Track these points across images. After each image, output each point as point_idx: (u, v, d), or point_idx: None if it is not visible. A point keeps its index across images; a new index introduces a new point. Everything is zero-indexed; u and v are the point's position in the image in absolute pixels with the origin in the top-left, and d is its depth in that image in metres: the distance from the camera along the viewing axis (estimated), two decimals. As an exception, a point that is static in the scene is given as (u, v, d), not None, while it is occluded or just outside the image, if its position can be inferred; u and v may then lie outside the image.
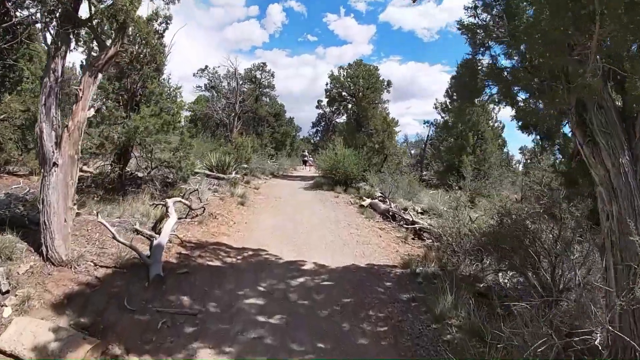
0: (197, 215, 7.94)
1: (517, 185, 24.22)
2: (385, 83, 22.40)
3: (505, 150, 30.96)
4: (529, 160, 28.72)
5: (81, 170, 9.19)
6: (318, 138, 49.88)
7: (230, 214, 8.85)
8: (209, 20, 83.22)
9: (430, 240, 7.40)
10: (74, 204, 5.38)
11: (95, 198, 8.28)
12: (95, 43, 6.01)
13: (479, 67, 4.98)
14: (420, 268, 5.63)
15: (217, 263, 5.59)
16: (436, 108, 27.31)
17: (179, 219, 7.63)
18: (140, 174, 9.94)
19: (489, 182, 18.79)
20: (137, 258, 5.06)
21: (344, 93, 22.44)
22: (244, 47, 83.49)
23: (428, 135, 23.18)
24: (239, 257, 5.89)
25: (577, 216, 4.77)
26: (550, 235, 5.02)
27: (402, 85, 74.89)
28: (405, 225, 8.47)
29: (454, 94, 7.17)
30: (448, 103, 27.09)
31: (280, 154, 32.18)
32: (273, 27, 79.52)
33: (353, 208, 11.13)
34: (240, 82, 30.73)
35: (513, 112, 4.77)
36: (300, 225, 8.38)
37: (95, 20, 5.78)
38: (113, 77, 9.18)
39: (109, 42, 5.73)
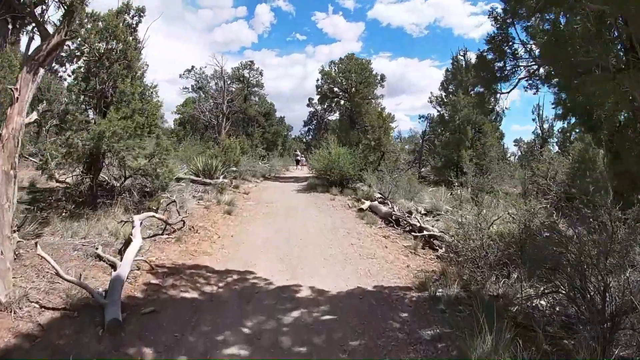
0: (175, 231, 6.94)
1: (516, 179, 23.48)
2: (379, 77, 21.50)
3: (501, 143, 30.31)
4: (528, 153, 28.06)
5: (57, 181, 8.22)
6: (310, 137, 48.93)
7: (215, 226, 7.85)
8: (198, 22, 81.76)
9: (444, 250, 6.48)
10: (14, 231, 4.35)
11: (64, 214, 7.26)
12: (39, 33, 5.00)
13: (510, 44, 4.09)
14: (440, 290, 4.69)
15: (194, 294, 4.60)
16: (431, 102, 26.49)
17: (154, 236, 6.65)
18: (117, 184, 8.90)
19: (491, 178, 17.91)
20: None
21: (335, 89, 21.47)
22: (233, 48, 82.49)
23: (425, 131, 22.28)
24: (220, 284, 4.91)
25: (630, 222, 3.89)
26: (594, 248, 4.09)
27: (393, 82, 74.26)
28: (413, 233, 7.53)
29: (477, 77, 6.22)
30: (444, 96, 26.36)
31: (272, 155, 31.16)
32: (262, 28, 78.62)
33: (351, 212, 10.18)
34: (228, 82, 29.66)
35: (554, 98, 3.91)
36: (294, 236, 7.41)
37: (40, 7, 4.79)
38: (80, 77, 8.19)
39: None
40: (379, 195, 11.97)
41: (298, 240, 7.17)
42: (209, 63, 32.72)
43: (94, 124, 7.47)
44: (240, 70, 30.62)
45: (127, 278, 4.71)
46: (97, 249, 5.43)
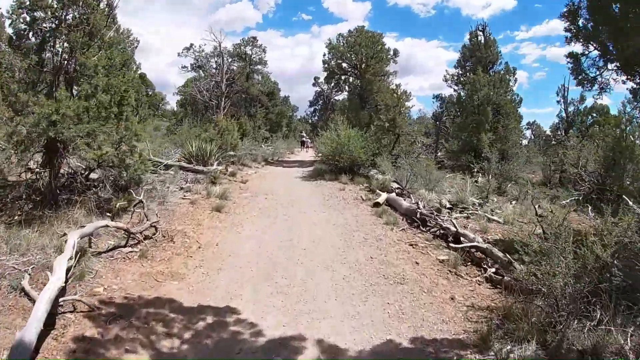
0: (140, 242, 5.38)
1: (534, 164, 21.61)
2: (391, 52, 19.46)
3: (521, 126, 28.36)
4: (551, 138, 26.04)
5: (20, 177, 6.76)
6: (316, 118, 47.02)
7: (198, 230, 6.29)
8: (201, 2, 79.05)
9: (494, 270, 4.86)
10: None
11: (17, 216, 5.76)
12: None
13: None
14: (509, 347, 3.11)
15: (144, 356, 3.06)
16: (446, 81, 24.38)
17: (114, 249, 5.10)
18: (82, 178, 7.31)
19: (516, 165, 16.11)
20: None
21: (344, 65, 19.47)
22: (238, 29, 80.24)
23: (442, 111, 20.34)
24: (186, 335, 3.36)
25: None
26: None
27: (400, 63, 71.63)
28: (452, 244, 5.90)
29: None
30: (460, 75, 24.22)
31: (276, 137, 29.44)
32: (267, 7, 76.27)
33: (365, 207, 8.56)
34: (229, 60, 27.69)
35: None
36: (296, 245, 5.81)
37: None
38: (31, 48, 6.58)
39: None
40: (396, 186, 10.32)
41: (300, 251, 5.58)
42: (206, 38, 30.36)
43: (41, 106, 5.86)
44: (242, 47, 28.55)
45: (54, 327, 3.21)
46: (24, 277, 3.90)
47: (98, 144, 6.53)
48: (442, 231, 6.53)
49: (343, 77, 19.94)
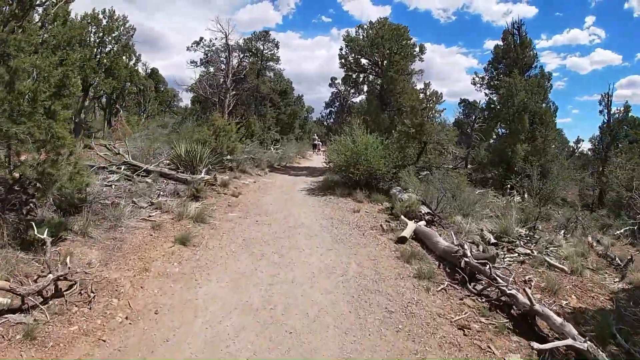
0: (39, 304, 3.34)
1: (569, 181, 18.89)
2: (417, 48, 17.17)
3: (561, 137, 25.81)
4: (593, 152, 23.33)
5: None
6: (332, 120, 44.86)
7: (139, 281, 4.23)
8: (223, 2, 78.63)
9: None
10: None
11: None
12: None
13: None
14: None
15: None
16: (475, 84, 21.92)
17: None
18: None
19: (560, 183, 13.70)
20: None
21: (363, 61, 17.24)
22: (257, 29, 79.74)
23: (474, 119, 17.96)
24: None
25: None
26: None
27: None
28: (536, 343, 3.66)
29: None
30: (492, 78, 21.71)
31: (287, 139, 27.38)
32: (287, 9, 75.57)
33: (387, 242, 6.40)
34: (241, 56, 25.78)
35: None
36: (279, 326, 3.67)
37: None
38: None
39: None
40: (425, 210, 8.11)
41: (284, 337, 3.46)
42: (212, 29, 28.09)
43: None
44: (253, 42, 26.60)
45: None
46: None
47: (15, 146, 4.60)
48: (500, 295, 4.33)
49: (362, 76, 17.66)
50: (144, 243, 5.32)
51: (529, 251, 6.71)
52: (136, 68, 18.56)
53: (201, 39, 25.24)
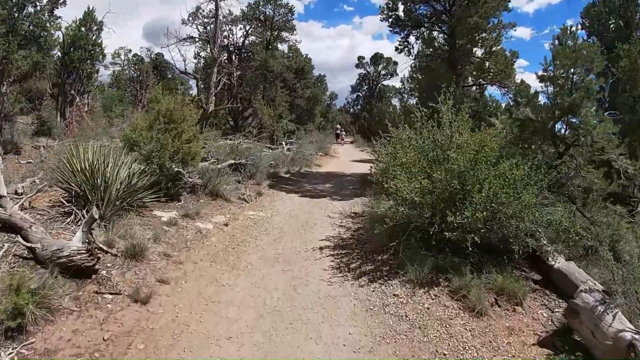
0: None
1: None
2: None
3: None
4: None
5: None
6: (359, 106, 38.38)
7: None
8: (243, -7, 77.03)
9: None
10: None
11: None
12: None
13: None
14: None
15: None
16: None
17: None
18: None
19: None
20: None
21: (422, 7, 10.72)
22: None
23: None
24: None
25: None
26: None
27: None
28: None
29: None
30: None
31: (304, 130, 21.11)
32: (309, -2, 74.30)
33: None
34: (248, 29, 19.70)
35: None
36: None
37: None
38: None
39: None
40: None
41: None
42: None
43: None
44: (259, 7, 20.30)
45: None
46: None
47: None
48: None
49: (419, 30, 11.00)
50: None
51: None
52: (99, 40, 12.84)
53: (198, 8, 18.50)
